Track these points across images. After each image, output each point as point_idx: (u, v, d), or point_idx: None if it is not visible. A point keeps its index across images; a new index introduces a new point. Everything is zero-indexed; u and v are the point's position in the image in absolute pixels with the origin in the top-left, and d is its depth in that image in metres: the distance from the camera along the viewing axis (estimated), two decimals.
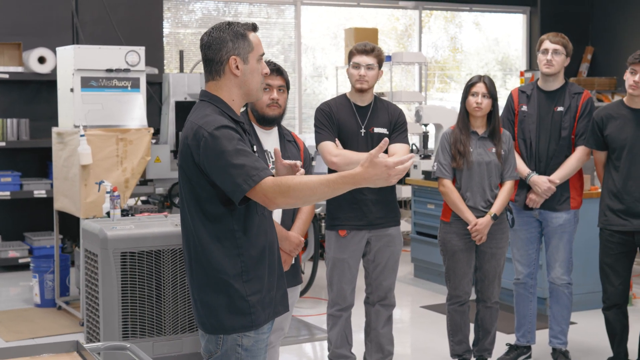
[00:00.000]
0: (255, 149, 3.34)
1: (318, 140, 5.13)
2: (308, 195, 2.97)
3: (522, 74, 10.93)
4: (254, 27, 3.26)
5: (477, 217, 5.32)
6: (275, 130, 4.73)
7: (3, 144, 8.90)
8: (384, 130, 5.14)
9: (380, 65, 5.13)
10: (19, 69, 9.04)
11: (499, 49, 13.27)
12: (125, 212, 6.02)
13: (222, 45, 3.17)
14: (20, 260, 8.84)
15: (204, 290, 3.18)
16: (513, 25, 13.11)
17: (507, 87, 12.91)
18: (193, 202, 3.16)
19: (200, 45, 3.25)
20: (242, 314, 3.16)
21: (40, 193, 8.89)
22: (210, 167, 3.05)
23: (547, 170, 5.58)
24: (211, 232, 3.13)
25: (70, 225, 8.35)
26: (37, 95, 9.38)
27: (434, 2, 12.22)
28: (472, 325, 5.63)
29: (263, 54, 3.29)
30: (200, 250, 3.16)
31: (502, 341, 6.05)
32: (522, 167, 5.56)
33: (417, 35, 12.27)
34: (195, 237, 3.17)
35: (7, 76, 8.95)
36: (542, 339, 6.06)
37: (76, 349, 2.81)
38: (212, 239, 3.14)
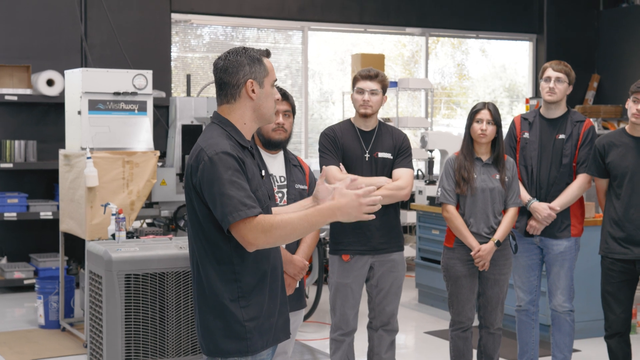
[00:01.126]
0: (263, 174, 3.37)
1: (322, 164, 5.16)
2: (289, 233, 3.03)
3: (527, 101, 10.96)
4: (267, 53, 3.32)
5: (481, 243, 5.33)
6: (281, 154, 4.77)
7: (10, 165, 8.95)
8: (388, 155, 5.17)
9: (384, 91, 5.16)
10: (28, 92, 9.11)
11: (506, 76, 13.32)
12: (130, 235, 6.05)
13: (239, 68, 3.22)
14: (26, 282, 8.86)
15: (203, 312, 3.21)
16: (519, 52, 13.17)
17: (513, 113, 12.95)
18: (195, 224, 3.20)
19: (214, 69, 3.28)
20: (238, 338, 3.18)
21: (46, 214, 8.93)
22: (205, 191, 3.11)
23: (547, 197, 5.60)
24: (210, 254, 3.17)
25: (75, 247, 8.39)
26: (45, 117, 9.45)
27: (441, 28, 12.29)
28: (475, 352, 5.63)
29: (276, 79, 3.34)
30: (200, 272, 3.20)
31: None
32: (523, 194, 5.58)
33: (424, 62, 12.33)
34: (197, 258, 3.21)
35: (15, 98, 9.02)
36: None
37: None
38: (211, 261, 3.17)
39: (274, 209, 3.48)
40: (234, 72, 3.22)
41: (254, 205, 3.06)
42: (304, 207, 3.42)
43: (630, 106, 5.30)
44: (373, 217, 3.06)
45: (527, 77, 13.25)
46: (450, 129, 12.38)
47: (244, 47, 3.28)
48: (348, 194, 2.95)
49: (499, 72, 13.24)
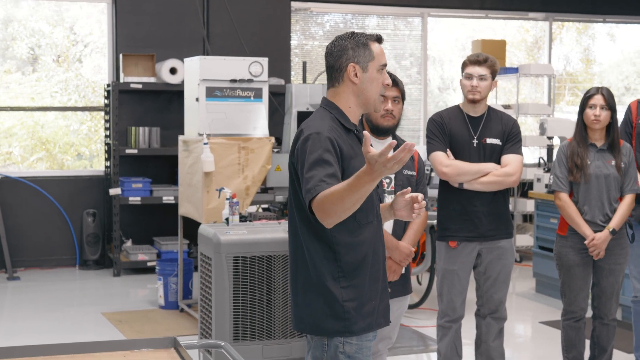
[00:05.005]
0: None
1: (430, 151, 5.13)
2: (338, 203, 2.95)
3: None
4: (378, 38, 3.32)
5: (595, 231, 5.19)
6: (389, 139, 4.77)
7: (135, 151, 9.26)
8: (496, 141, 5.10)
9: (493, 76, 5.08)
10: (152, 80, 9.40)
11: None
12: (243, 219, 6.18)
13: (343, 52, 3.26)
14: (149, 264, 9.17)
15: (305, 290, 3.24)
16: None
17: None
18: (297, 201, 3.23)
19: (325, 53, 3.35)
20: (337, 318, 3.20)
21: (168, 199, 9.20)
22: (297, 170, 3.17)
23: None
24: (312, 233, 3.20)
25: (195, 231, 8.61)
26: (168, 104, 9.73)
27: (565, 13, 11.96)
28: (587, 343, 5.49)
29: (385, 64, 3.32)
30: (302, 250, 3.24)
31: None
32: None
33: (547, 47, 12.04)
34: (299, 237, 3.25)
35: (140, 86, 9.32)
36: None
37: (173, 345, 2.92)
38: (312, 240, 3.21)
39: None
40: (338, 55, 3.26)
41: (332, 183, 3.04)
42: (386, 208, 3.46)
43: None
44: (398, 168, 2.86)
45: None
46: (574, 115, 12.05)
47: (353, 32, 3.30)
48: (370, 159, 2.79)
49: (632, 57, 12.78)
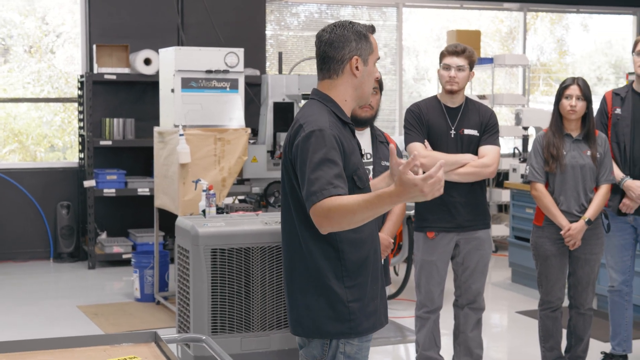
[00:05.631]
0: (363, 152, 3.30)
1: (407, 141, 5.13)
2: (349, 218, 2.85)
3: (627, 76, 10.62)
4: (373, 30, 3.22)
5: (571, 221, 5.22)
6: (367, 130, 4.78)
7: (109, 142, 9.19)
8: (474, 132, 5.10)
9: (471, 67, 5.08)
10: (126, 70, 9.32)
11: (612, 52, 12.93)
12: (220, 211, 6.14)
13: (346, 43, 3.10)
14: (124, 256, 9.12)
15: (305, 292, 3.11)
16: (624, 27, 12.76)
17: None
18: (294, 199, 3.10)
19: (318, 41, 3.16)
20: (342, 320, 3.07)
21: (144, 191, 9.15)
22: (297, 167, 3.03)
23: None
24: (312, 231, 3.03)
25: (171, 223, 8.56)
26: (143, 95, 9.66)
27: (539, 3, 12.01)
28: (564, 332, 5.53)
29: (379, 58, 3.24)
30: (300, 250, 3.10)
31: (598, 349, 5.92)
32: (616, 172, 5.42)
33: (522, 38, 12.08)
34: (296, 237, 3.11)
35: (114, 77, 9.25)
36: (639, 348, 5.90)
37: (154, 339, 2.89)
38: (313, 238, 3.06)
39: None
40: (340, 46, 3.10)
41: (340, 186, 2.91)
42: (378, 185, 3.34)
43: None
44: (441, 192, 2.78)
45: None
46: (549, 106, 12.11)
47: (349, 21, 3.17)
48: (407, 183, 2.69)
49: (604, 48, 12.85)
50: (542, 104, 12.24)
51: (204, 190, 6.13)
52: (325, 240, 3.05)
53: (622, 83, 12.77)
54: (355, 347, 3.12)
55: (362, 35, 3.14)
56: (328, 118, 3.05)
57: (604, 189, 5.27)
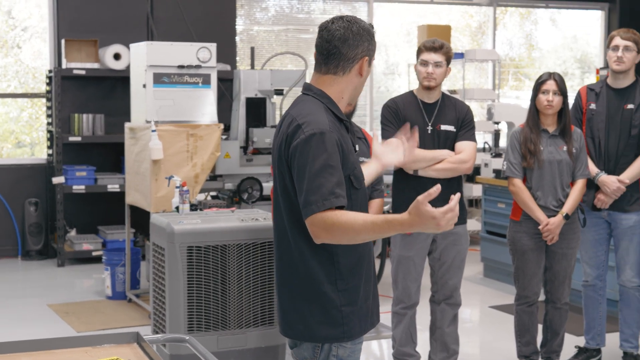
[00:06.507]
0: (357, 149, 3.22)
1: (384, 137, 5.10)
2: (351, 236, 2.81)
3: (597, 71, 10.68)
4: (372, 28, 3.14)
5: (549, 216, 5.23)
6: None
7: (79, 138, 9.08)
8: (450, 128, 5.09)
9: (448, 63, 5.07)
10: (95, 66, 9.21)
11: (577, 47, 13.01)
12: (194, 207, 6.09)
13: (360, 42, 3.02)
14: (94, 253, 9.01)
15: (296, 296, 3.03)
16: (591, 22, 12.85)
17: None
18: (286, 201, 2.99)
19: (328, 34, 3.02)
20: (335, 324, 3.00)
21: (113, 187, 9.05)
22: (294, 169, 2.92)
23: (616, 170, 5.45)
24: (305, 234, 2.94)
25: (142, 220, 8.49)
26: (112, 91, 9.55)
27: None
28: (540, 327, 5.54)
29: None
30: (293, 252, 3.00)
31: (571, 343, 5.95)
32: (591, 167, 5.44)
33: (492, 32, 12.12)
34: (288, 237, 3.01)
35: (83, 72, 9.13)
36: (612, 342, 5.94)
37: (136, 340, 2.84)
38: (306, 242, 2.96)
39: None
40: (354, 45, 3.00)
41: (342, 195, 2.84)
42: (368, 172, 3.32)
43: None
44: (453, 225, 2.79)
45: (598, 48, 12.92)
46: (518, 100, 12.17)
47: (359, 18, 3.07)
48: (425, 215, 2.68)
49: (569, 42, 12.94)
50: (512, 98, 12.29)
51: (177, 187, 6.07)
52: (319, 244, 2.94)
53: (588, 78, 12.86)
54: (348, 349, 3.06)
55: (373, 35, 3.08)
56: (326, 117, 2.95)
57: (580, 184, 5.29)
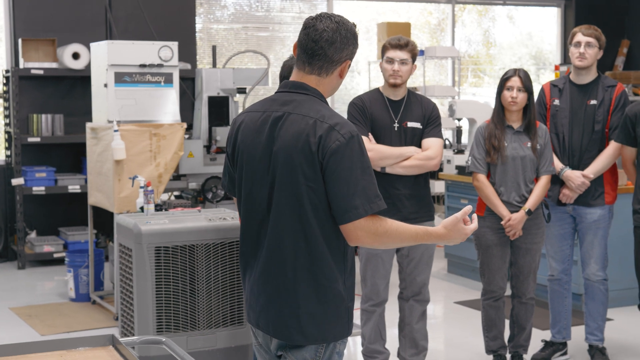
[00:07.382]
0: None
1: None
2: (391, 243, 2.94)
3: (557, 67, 10.80)
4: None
5: (512, 212, 5.27)
6: None
7: (38, 139, 8.96)
8: (417, 125, 5.11)
9: (414, 60, 5.08)
10: (54, 65, 9.09)
11: (533, 44, 13.14)
12: (158, 207, 6.04)
13: (345, 46, 2.98)
14: (55, 255, 8.90)
15: (310, 299, 2.94)
16: (547, 19, 12.98)
17: (540, 81, 12.78)
18: (312, 204, 2.90)
19: (316, 34, 2.96)
20: (343, 322, 2.99)
21: (74, 188, 8.94)
22: (331, 172, 2.86)
23: (580, 165, 5.51)
24: (326, 232, 2.91)
25: (104, 220, 8.41)
26: (72, 90, 9.43)
27: None
28: (507, 321, 5.59)
29: None
30: (311, 254, 2.93)
31: (538, 337, 6.00)
32: (555, 162, 5.49)
33: (450, 30, 12.19)
34: (299, 240, 2.93)
35: (41, 72, 9.01)
36: (578, 336, 6.00)
37: (112, 342, 2.81)
38: (325, 243, 2.92)
39: None
40: (340, 48, 2.97)
41: (381, 196, 2.89)
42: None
43: None
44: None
45: (554, 44, 13.06)
46: (477, 97, 12.26)
47: (346, 19, 3.03)
48: (461, 231, 2.99)
49: (525, 39, 13.06)
50: (472, 95, 12.38)
51: (141, 187, 6.02)
52: (338, 239, 2.93)
53: (543, 74, 12.99)
54: (345, 343, 3.07)
55: (357, 37, 3.05)
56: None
57: (544, 180, 5.34)
